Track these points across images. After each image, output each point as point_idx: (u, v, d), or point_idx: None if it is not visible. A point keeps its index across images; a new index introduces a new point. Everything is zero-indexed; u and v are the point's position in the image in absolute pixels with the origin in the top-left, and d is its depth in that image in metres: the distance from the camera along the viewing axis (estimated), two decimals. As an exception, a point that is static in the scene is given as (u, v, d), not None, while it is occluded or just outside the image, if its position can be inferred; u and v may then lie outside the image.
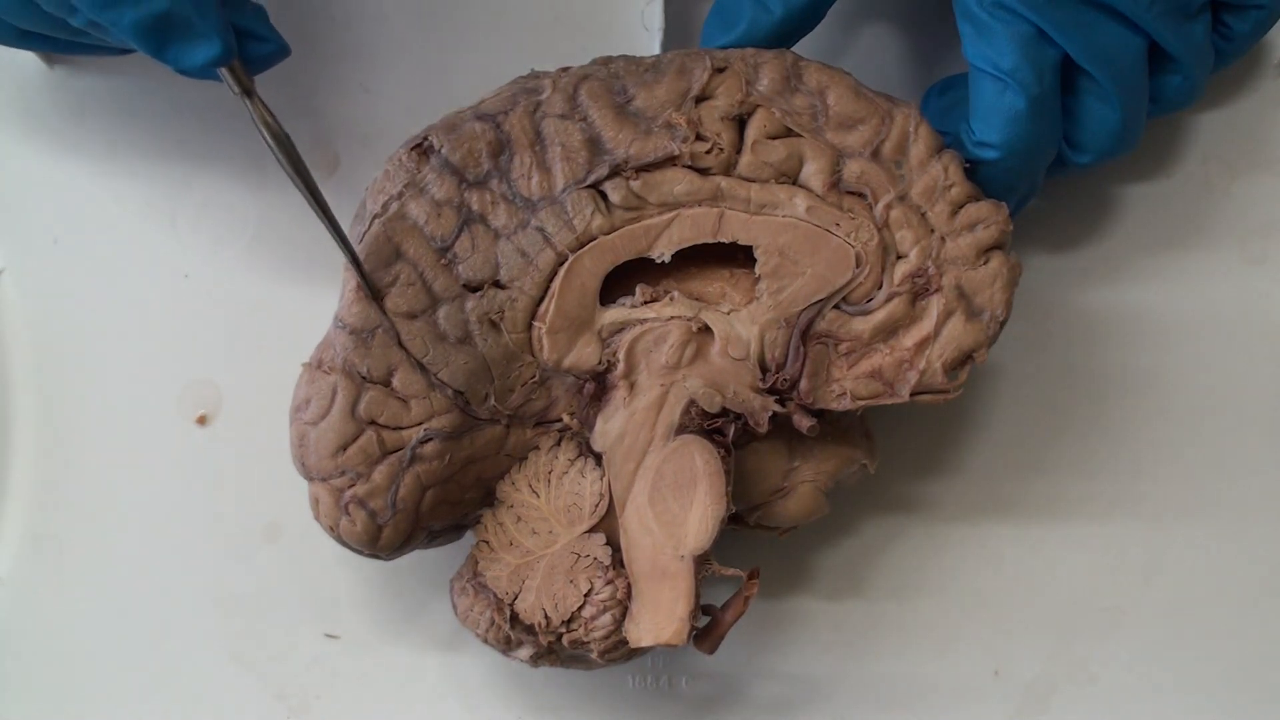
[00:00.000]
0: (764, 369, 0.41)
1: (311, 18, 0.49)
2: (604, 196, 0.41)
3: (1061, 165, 0.44)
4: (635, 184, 0.40)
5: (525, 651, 0.42)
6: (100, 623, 0.49)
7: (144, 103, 0.49)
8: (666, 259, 0.41)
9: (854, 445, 0.44)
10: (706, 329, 0.41)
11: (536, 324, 0.41)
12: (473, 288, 0.41)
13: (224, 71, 0.39)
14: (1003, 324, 0.41)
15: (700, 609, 0.41)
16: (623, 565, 0.42)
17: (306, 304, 0.48)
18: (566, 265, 0.41)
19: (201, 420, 0.49)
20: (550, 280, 0.41)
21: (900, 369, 0.41)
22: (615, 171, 0.40)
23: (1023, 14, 0.40)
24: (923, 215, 0.41)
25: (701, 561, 0.41)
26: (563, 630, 0.42)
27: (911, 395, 0.41)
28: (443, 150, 0.40)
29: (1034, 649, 0.49)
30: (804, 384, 0.41)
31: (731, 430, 0.41)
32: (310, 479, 0.41)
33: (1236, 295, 0.50)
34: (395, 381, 0.41)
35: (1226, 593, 0.49)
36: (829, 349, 0.41)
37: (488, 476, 0.43)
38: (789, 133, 0.41)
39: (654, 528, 0.41)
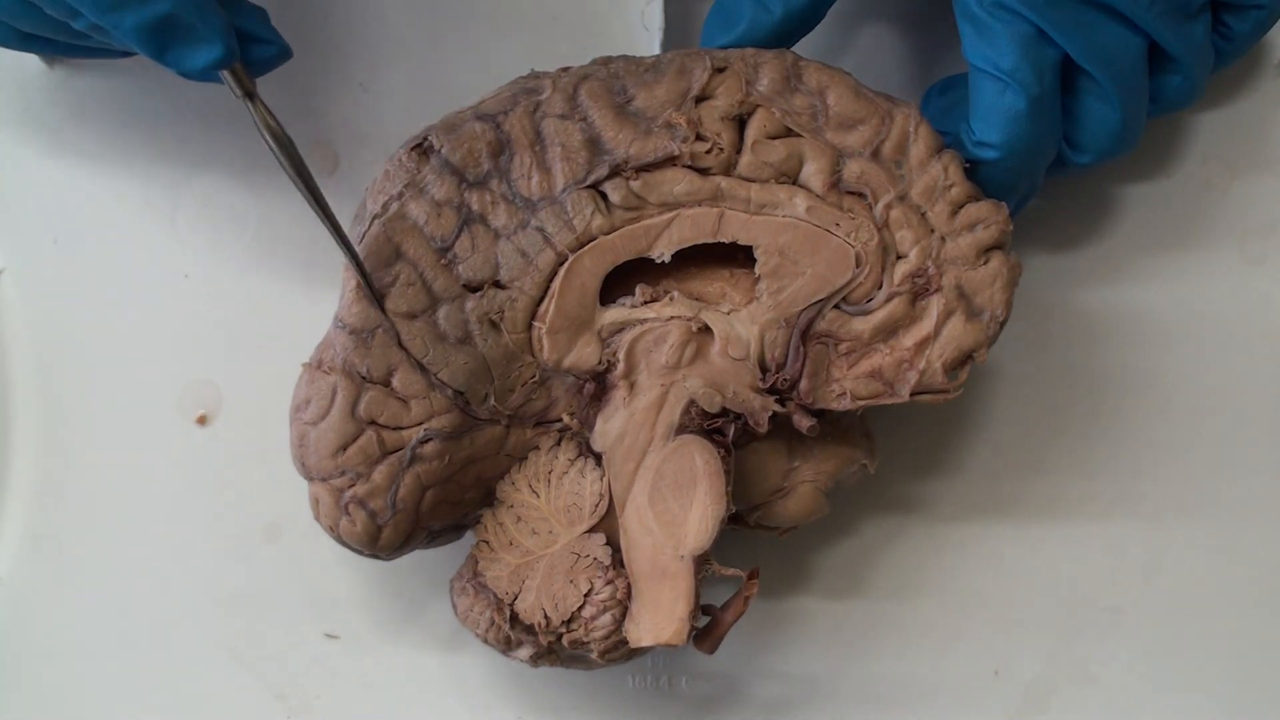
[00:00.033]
0: (764, 369, 0.41)
1: (311, 18, 0.49)
2: (604, 196, 0.41)
3: (1061, 165, 0.44)
4: (635, 184, 0.40)
5: (525, 651, 0.42)
6: (100, 623, 0.49)
7: (144, 102, 0.49)
8: (666, 259, 0.41)
9: (854, 445, 0.44)
10: (706, 329, 0.41)
11: (536, 324, 0.41)
12: (473, 288, 0.41)
13: (226, 74, 0.39)
14: (1003, 324, 0.41)
15: (700, 609, 0.41)
16: (623, 565, 0.42)
17: (306, 304, 0.48)
18: (566, 265, 0.41)
19: (201, 420, 0.49)
20: (550, 280, 0.41)
21: (900, 369, 0.41)
22: (615, 171, 0.40)
23: (1023, 14, 0.40)
24: (923, 215, 0.41)
25: (701, 561, 0.41)
26: (563, 630, 0.42)
27: (911, 395, 0.41)
28: (443, 150, 0.40)
29: (1034, 649, 0.49)
30: (804, 384, 0.41)
31: (731, 430, 0.41)
32: (310, 479, 0.41)
33: (1236, 295, 0.50)
34: (395, 381, 0.41)
35: (1226, 593, 0.49)
36: (829, 349, 0.41)
37: (488, 476, 0.43)
38: (789, 133, 0.41)
39: (654, 528, 0.41)
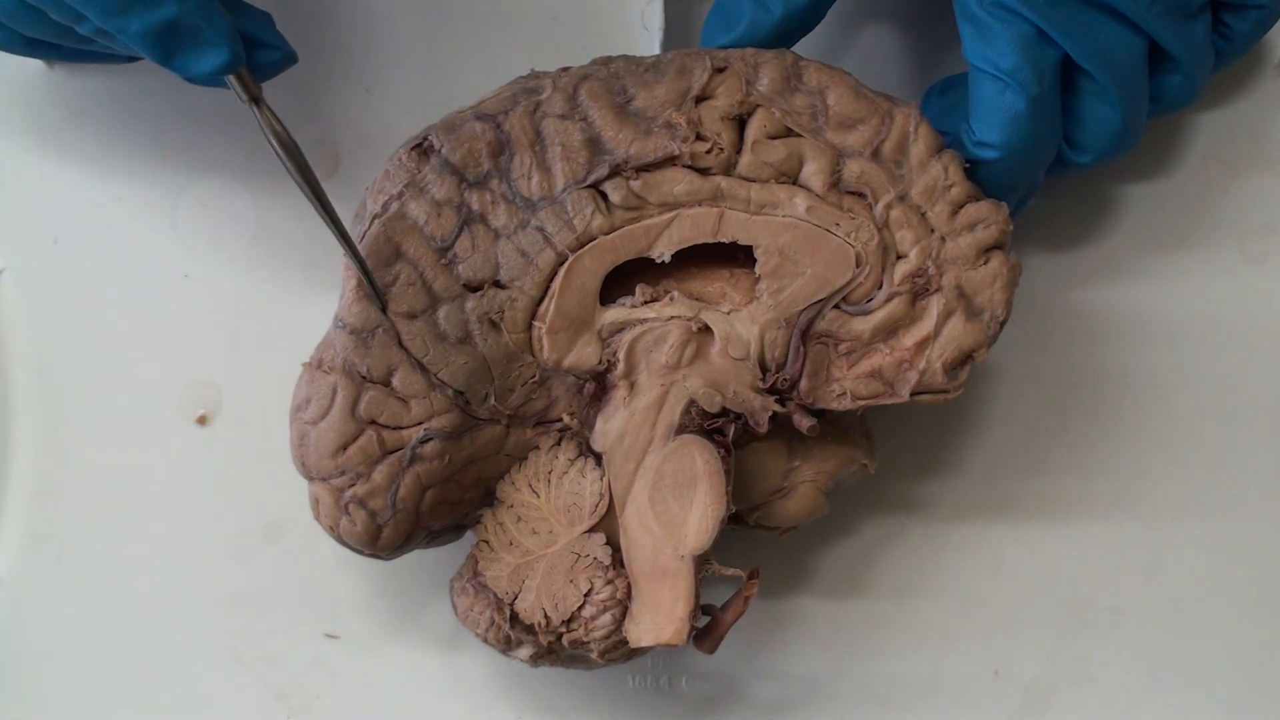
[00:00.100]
0: (764, 369, 0.41)
1: (312, 18, 0.49)
2: (604, 196, 0.41)
3: (1061, 165, 0.44)
4: (635, 184, 0.40)
5: (525, 651, 0.42)
6: (100, 623, 0.49)
7: (144, 103, 0.49)
8: (666, 259, 0.41)
9: (854, 445, 0.44)
10: (706, 329, 0.41)
11: (536, 324, 0.41)
12: (473, 287, 0.41)
13: (232, 79, 0.39)
14: (1003, 324, 0.41)
15: (700, 609, 0.41)
16: (623, 565, 0.42)
17: (306, 304, 0.48)
18: (566, 265, 0.41)
19: (201, 420, 0.49)
20: (550, 280, 0.41)
21: (900, 369, 0.41)
22: (615, 171, 0.40)
23: (1023, 14, 0.40)
24: (923, 215, 0.41)
25: (701, 561, 0.41)
26: (563, 630, 0.42)
27: (911, 395, 0.41)
28: (443, 150, 0.40)
29: (1034, 649, 0.49)
30: (804, 384, 0.41)
31: (731, 430, 0.41)
32: (310, 479, 0.41)
33: (1236, 295, 0.50)
34: (395, 381, 0.41)
35: (1226, 593, 0.49)
36: (829, 349, 0.41)
37: (488, 476, 0.43)
38: (789, 132, 0.41)
39: (654, 528, 0.41)
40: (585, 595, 0.41)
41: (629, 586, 0.41)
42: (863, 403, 0.41)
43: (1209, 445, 0.49)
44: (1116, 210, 0.50)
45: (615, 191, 0.40)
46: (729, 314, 0.42)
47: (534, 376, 0.42)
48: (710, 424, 0.41)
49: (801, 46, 0.43)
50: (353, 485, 0.41)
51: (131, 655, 0.48)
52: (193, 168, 0.49)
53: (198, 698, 0.48)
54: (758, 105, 0.41)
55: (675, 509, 0.41)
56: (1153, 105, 0.44)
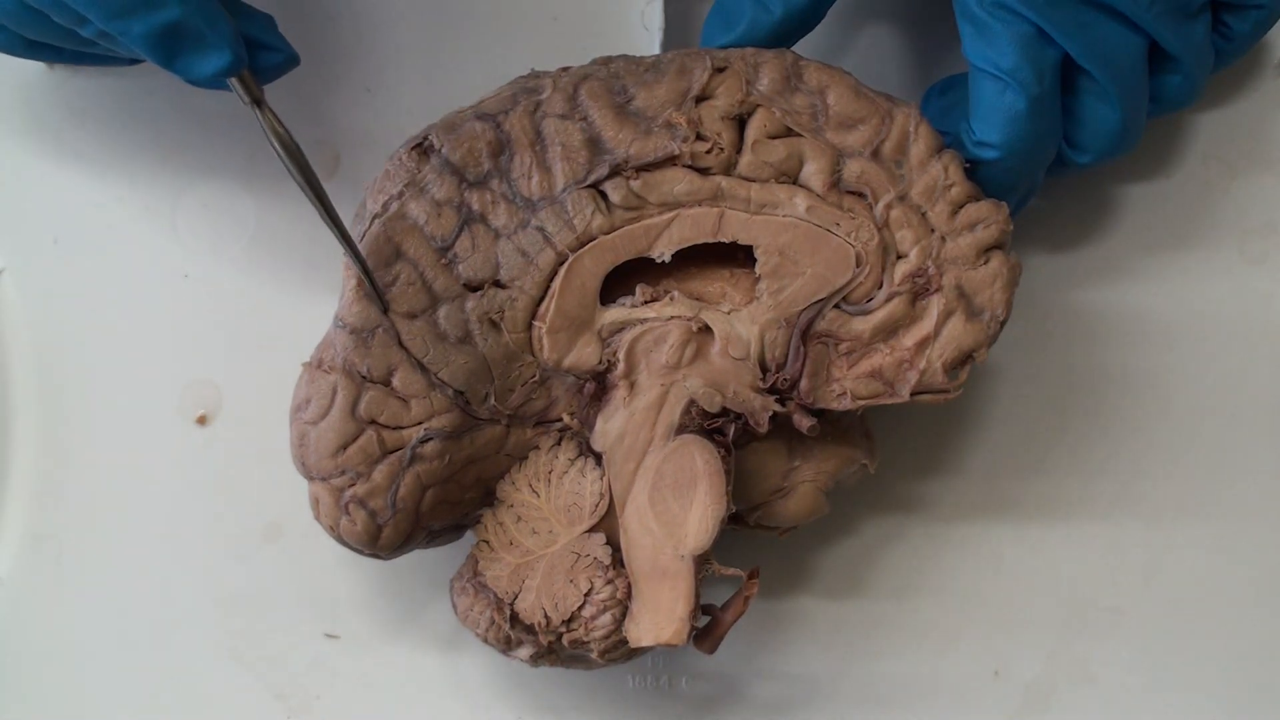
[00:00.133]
0: (764, 369, 0.41)
1: (312, 18, 0.49)
2: (604, 196, 0.41)
3: (1061, 165, 0.44)
4: (635, 184, 0.40)
5: (525, 651, 0.42)
6: (100, 623, 0.49)
7: (144, 103, 0.49)
8: (666, 259, 0.41)
9: (854, 445, 0.44)
10: (706, 329, 0.41)
11: (537, 324, 0.41)
12: (473, 287, 0.41)
13: (234, 82, 0.39)
14: (1003, 324, 0.41)
15: (700, 609, 0.41)
16: (623, 565, 0.42)
17: (306, 304, 0.48)
18: (567, 265, 0.41)
19: (201, 420, 0.49)
20: (550, 280, 0.41)
21: (900, 369, 0.41)
22: (615, 171, 0.40)
23: (1023, 14, 0.40)
24: (923, 215, 0.41)
25: (701, 561, 0.41)
26: (563, 630, 0.42)
27: (911, 395, 0.41)
28: (443, 150, 0.40)
29: (1034, 649, 0.49)
30: (804, 384, 0.41)
31: (731, 430, 0.41)
32: (310, 479, 0.41)
33: (1236, 295, 0.50)
34: (395, 381, 0.41)
35: (1226, 593, 0.49)
36: (829, 349, 0.41)
37: (488, 476, 0.43)
38: (789, 132, 0.41)
39: (654, 528, 0.41)
40: (585, 595, 0.41)
41: (629, 586, 0.41)
42: (863, 403, 0.41)
43: (1209, 445, 0.49)
44: (1116, 210, 0.50)
45: (615, 191, 0.40)
46: (729, 314, 0.42)
47: (534, 376, 0.42)
48: (710, 424, 0.41)
49: (801, 46, 0.43)
50: (353, 485, 0.41)
51: (131, 655, 0.48)
52: (193, 169, 0.49)
53: (198, 698, 0.48)
54: (758, 105, 0.41)
55: (675, 509, 0.41)
56: (1153, 105, 0.44)
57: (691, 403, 0.41)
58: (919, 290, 0.41)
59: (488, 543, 0.43)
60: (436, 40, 0.49)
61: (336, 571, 0.48)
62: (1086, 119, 0.42)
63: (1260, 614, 0.49)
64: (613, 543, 0.42)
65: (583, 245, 0.41)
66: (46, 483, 0.49)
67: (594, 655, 0.42)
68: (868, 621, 0.49)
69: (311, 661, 0.49)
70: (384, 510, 0.41)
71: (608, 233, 0.41)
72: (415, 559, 0.45)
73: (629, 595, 0.41)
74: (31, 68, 0.49)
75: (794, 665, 0.49)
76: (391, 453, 0.41)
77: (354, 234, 0.41)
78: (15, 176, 0.49)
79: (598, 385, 0.42)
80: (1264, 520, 0.49)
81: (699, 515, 0.40)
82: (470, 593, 0.42)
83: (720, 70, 0.41)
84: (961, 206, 0.41)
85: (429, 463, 0.41)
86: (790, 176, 0.41)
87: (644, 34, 0.49)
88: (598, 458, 0.42)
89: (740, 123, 0.41)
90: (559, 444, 0.43)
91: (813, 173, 0.41)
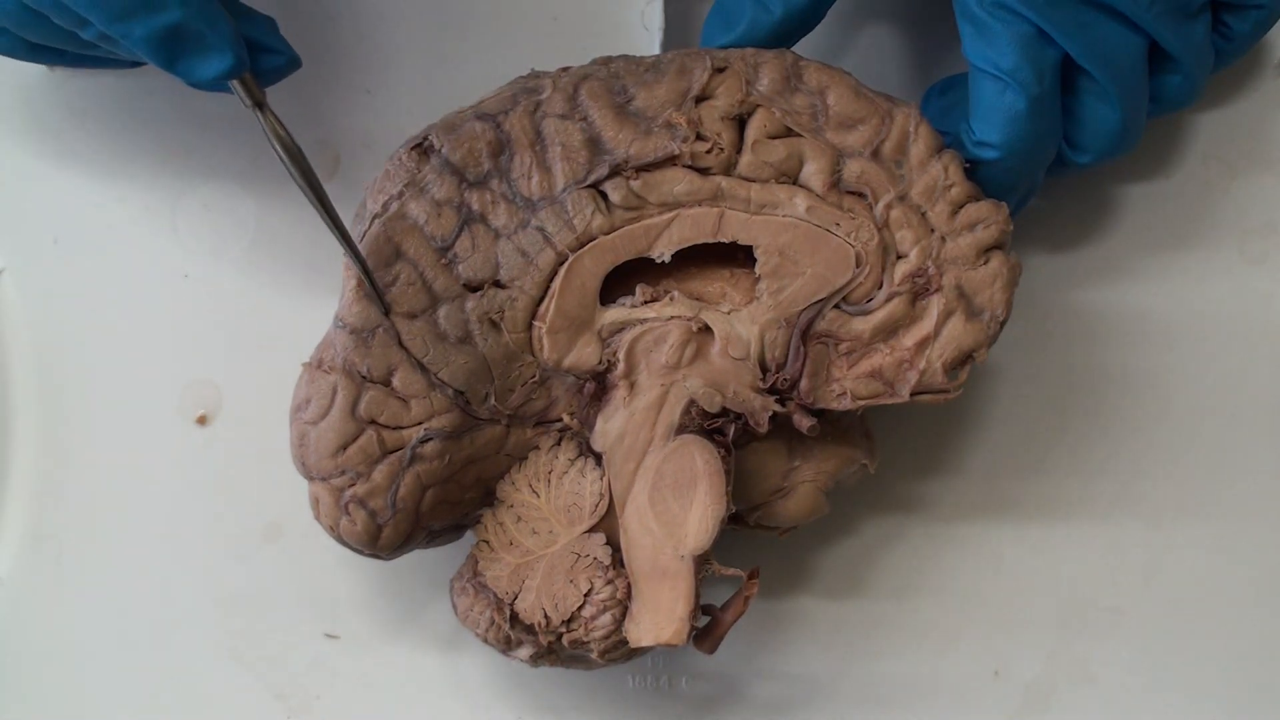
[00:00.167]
0: (764, 369, 0.41)
1: (312, 19, 0.49)
2: (604, 196, 0.41)
3: (1061, 165, 0.44)
4: (635, 184, 0.40)
5: (525, 651, 0.42)
6: (100, 623, 0.49)
7: (145, 103, 0.49)
8: (666, 259, 0.41)
9: (854, 445, 0.44)
10: (706, 329, 0.41)
11: (537, 324, 0.41)
12: (473, 287, 0.41)
13: (235, 84, 0.39)
14: (1003, 324, 0.41)
15: (700, 609, 0.41)
16: (623, 565, 0.42)
17: (306, 304, 0.48)
18: (567, 265, 0.41)
19: (201, 420, 0.49)
20: (550, 280, 0.41)
21: (900, 369, 0.41)
22: (615, 171, 0.40)
23: (1023, 14, 0.40)
24: (923, 215, 0.41)
25: (701, 561, 0.41)
26: (563, 630, 0.42)
27: (911, 395, 0.41)
28: (443, 150, 0.40)
29: (1034, 649, 0.49)
30: (804, 384, 0.41)
31: (731, 430, 0.41)
32: (310, 479, 0.41)
33: (1236, 295, 0.50)
34: (395, 381, 0.41)
35: (1226, 593, 0.49)
36: (829, 349, 0.41)
37: (488, 476, 0.43)
38: (789, 132, 0.41)
39: (654, 528, 0.41)
40: (585, 595, 0.41)
41: (629, 586, 0.41)
42: (863, 403, 0.41)
43: (1209, 445, 0.49)
44: (1116, 210, 0.50)
45: (615, 191, 0.40)
46: (729, 314, 0.42)
47: (534, 376, 0.42)
48: (710, 424, 0.41)
49: (801, 46, 0.43)
50: (353, 485, 0.41)
51: (131, 655, 0.48)
52: (193, 170, 0.49)
53: (198, 698, 0.48)
54: (758, 105, 0.41)
55: (675, 509, 0.41)
56: (1153, 105, 0.44)
57: (691, 403, 0.41)
58: (919, 290, 0.41)
59: (488, 543, 0.43)
60: (436, 40, 0.49)
61: (336, 571, 0.48)
62: (1086, 119, 0.42)
63: (1260, 614, 0.49)
64: (613, 543, 0.42)
65: (583, 245, 0.41)
66: (46, 483, 0.49)
67: (594, 655, 0.42)
68: (868, 621, 0.49)
69: (311, 661, 0.49)
70: (384, 510, 0.41)
71: (608, 233, 0.41)
72: (415, 559, 0.45)
73: (629, 595, 0.41)
74: (32, 68, 0.49)
75: (794, 665, 0.49)
76: (391, 453, 0.41)
77: (354, 234, 0.41)
78: (15, 176, 0.49)
79: (598, 385, 0.42)
80: (1264, 520, 0.49)
81: (699, 515, 0.40)
82: (470, 593, 0.42)
83: (720, 70, 0.41)
84: (961, 206, 0.41)
85: (429, 463, 0.41)
86: (790, 176, 0.41)
87: (644, 34, 0.49)
88: (598, 458, 0.42)
89: (740, 123, 0.41)
90: (559, 444, 0.43)
91: (813, 173, 0.41)
